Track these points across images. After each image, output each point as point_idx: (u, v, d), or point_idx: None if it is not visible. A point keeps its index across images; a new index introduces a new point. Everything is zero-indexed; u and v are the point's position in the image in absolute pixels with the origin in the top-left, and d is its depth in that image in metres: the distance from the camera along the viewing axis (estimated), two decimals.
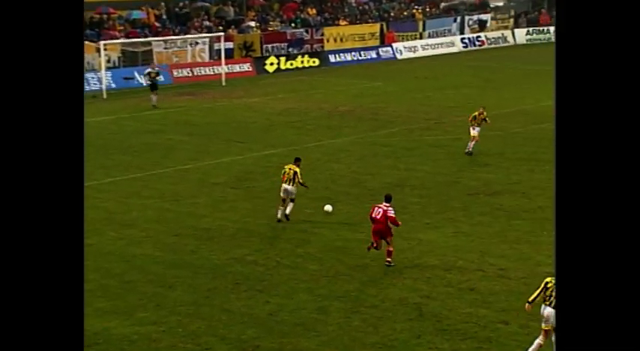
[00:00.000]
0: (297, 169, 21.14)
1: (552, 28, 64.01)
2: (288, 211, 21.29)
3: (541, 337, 13.70)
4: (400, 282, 17.19)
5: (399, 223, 18.10)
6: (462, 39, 60.47)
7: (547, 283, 13.76)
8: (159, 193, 24.16)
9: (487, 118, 28.05)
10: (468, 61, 53.47)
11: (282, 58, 50.66)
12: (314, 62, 51.96)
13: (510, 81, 45.09)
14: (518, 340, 14.43)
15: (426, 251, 18.93)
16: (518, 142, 29.82)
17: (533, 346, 13.73)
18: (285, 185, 21.03)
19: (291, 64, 50.89)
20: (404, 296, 16.39)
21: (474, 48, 60.18)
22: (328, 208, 20.80)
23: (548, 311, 13.59)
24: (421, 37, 59.08)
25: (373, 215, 17.95)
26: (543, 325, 13.66)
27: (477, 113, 27.86)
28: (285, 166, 21.39)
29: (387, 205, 17.97)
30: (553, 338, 13.64)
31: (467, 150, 27.83)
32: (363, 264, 18.26)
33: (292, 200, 21.26)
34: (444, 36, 60.05)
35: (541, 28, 64.08)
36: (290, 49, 52.11)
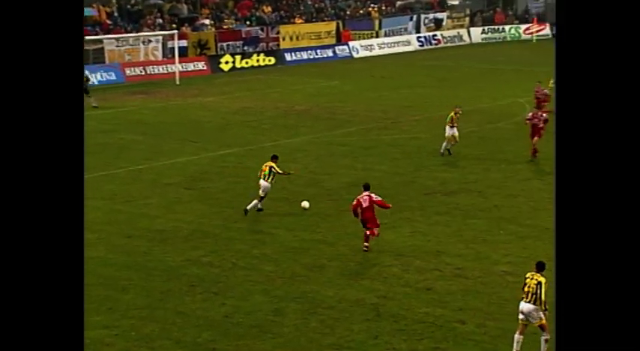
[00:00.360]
0: (273, 164, 21.56)
1: (507, 27, 64.56)
2: (250, 206, 21.37)
3: (519, 331, 13.70)
4: (357, 282, 17.06)
5: (389, 205, 19.04)
6: (418, 38, 60.65)
7: (525, 279, 13.75)
8: (111, 194, 23.72)
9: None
10: (424, 60, 53.63)
11: (238, 57, 50.29)
12: (270, 61, 51.67)
13: (466, 80, 45.29)
14: (475, 340, 14.39)
15: (383, 251, 18.82)
16: (474, 141, 29.88)
17: (515, 344, 13.70)
18: (260, 181, 21.41)
19: (247, 63, 50.54)
20: (361, 297, 16.25)
21: (430, 47, 60.41)
22: (305, 204, 21.08)
23: (527, 307, 13.61)
24: (377, 36, 59.12)
25: (364, 205, 18.56)
26: (533, 322, 13.67)
27: (452, 113, 27.76)
28: (268, 165, 21.67)
29: (368, 193, 18.76)
30: (542, 337, 13.60)
31: (442, 150, 27.63)
32: (320, 264, 18.09)
33: (262, 198, 21.47)
34: (400, 34, 60.18)
35: (496, 27, 64.57)
36: (245, 48, 51.75)
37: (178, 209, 22.25)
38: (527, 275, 13.77)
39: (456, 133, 27.49)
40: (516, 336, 13.78)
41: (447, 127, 27.53)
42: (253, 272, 17.65)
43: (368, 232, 18.66)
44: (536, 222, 20.70)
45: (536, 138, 26.40)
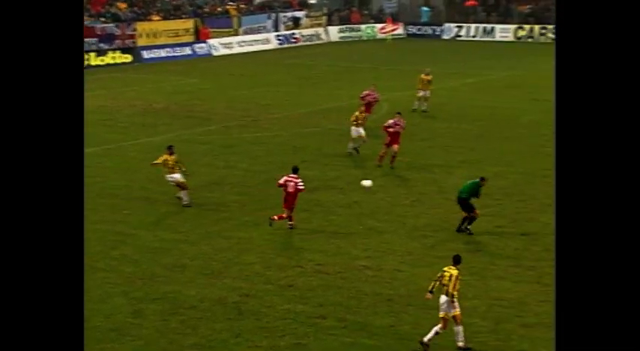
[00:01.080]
0: (176, 158, 22.01)
1: (363, 26, 65.89)
2: (184, 198, 21.87)
3: (439, 325, 13.94)
4: (219, 281, 16.99)
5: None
6: (277, 36, 60.98)
7: (444, 271, 14.07)
8: None
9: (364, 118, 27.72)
10: (283, 59, 53.96)
11: (92, 54, 48.97)
12: (126, 58, 50.64)
13: (325, 78, 45.89)
14: (336, 334, 14.61)
15: (245, 249, 18.82)
16: (334, 138, 30.31)
17: (430, 334, 13.90)
18: (168, 176, 21.92)
19: (102, 61, 49.33)
20: (223, 295, 16.21)
21: (289, 45, 60.83)
22: (367, 183, 21.46)
23: (442, 299, 13.91)
24: (237, 34, 59.01)
25: (288, 190, 19.89)
26: (441, 313, 13.94)
27: (357, 112, 27.86)
28: (162, 158, 22.09)
29: (296, 176, 19.96)
30: (455, 328, 13.87)
31: (350, 150, 27.43)
32: (181, 264, 17.90)
33: (182, 187, 21.83)
34: (260, 33, 60.31)
35: (353, 26, 65.78)
36: (100, 45, 50.47)
37: None
38: (444, 269, 14.15)
39: (362, 133, 27.20)
40: (457, 328, 13.94)
41: (352, 127, 27.41)
42: (112, 274, 17.27)
43: (284, 215, 19.89)
44: (394, 217, 21.24)
45: (396, 146, 25.61)
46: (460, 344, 13.87)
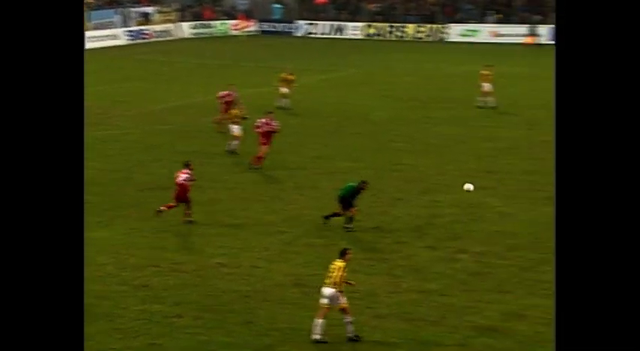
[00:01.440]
0: None
1: (216, 23, 65.62)
2: None
3: (346, 313, 14.07)
4: None
5: (182, 191, 20.31)
6: (127, 32, 59.77)
7: (331, 265, 14.25)
8: None
9: (245, 116, 27.41)
10: (134, 55, 53.01)
11: None
12: None
13: (178, 75, 45.41)
14: (192, 332, 14.56)
15: (98, 250, 18.39)
16: (189, 135, 30.10)
17: (348, 328, 14.02)
18: None
19: None
20: None
21: (140, 41, 59.78)
22: (469, 186, 20.74)
23: (329, 292, 14.04)
24: (85, 29, 57.42)
25: (176, 181, 20.52)
26: (324, 304, 14.06)
27: (236, 111, 27.41)
28: None
29: (186, 171, 20.44)
30: (345, 320, 14.04)
31: (229, 149, 26.88)
32: None
33: None
34: (108, 28, 58.92)
35: (206, 23, 65.38)
36: None
37: None
38: (333, 263, 14.31)
39: (238, 131, 26.74)
40: (318, 320, 14.05)
41: (230, 125, 26.95)
42: None
43: (172, 204, 20.31)
44: (250, 214, 21.33)
45: (265, 147, 25.10)
46: (349, 335, 14.15)
